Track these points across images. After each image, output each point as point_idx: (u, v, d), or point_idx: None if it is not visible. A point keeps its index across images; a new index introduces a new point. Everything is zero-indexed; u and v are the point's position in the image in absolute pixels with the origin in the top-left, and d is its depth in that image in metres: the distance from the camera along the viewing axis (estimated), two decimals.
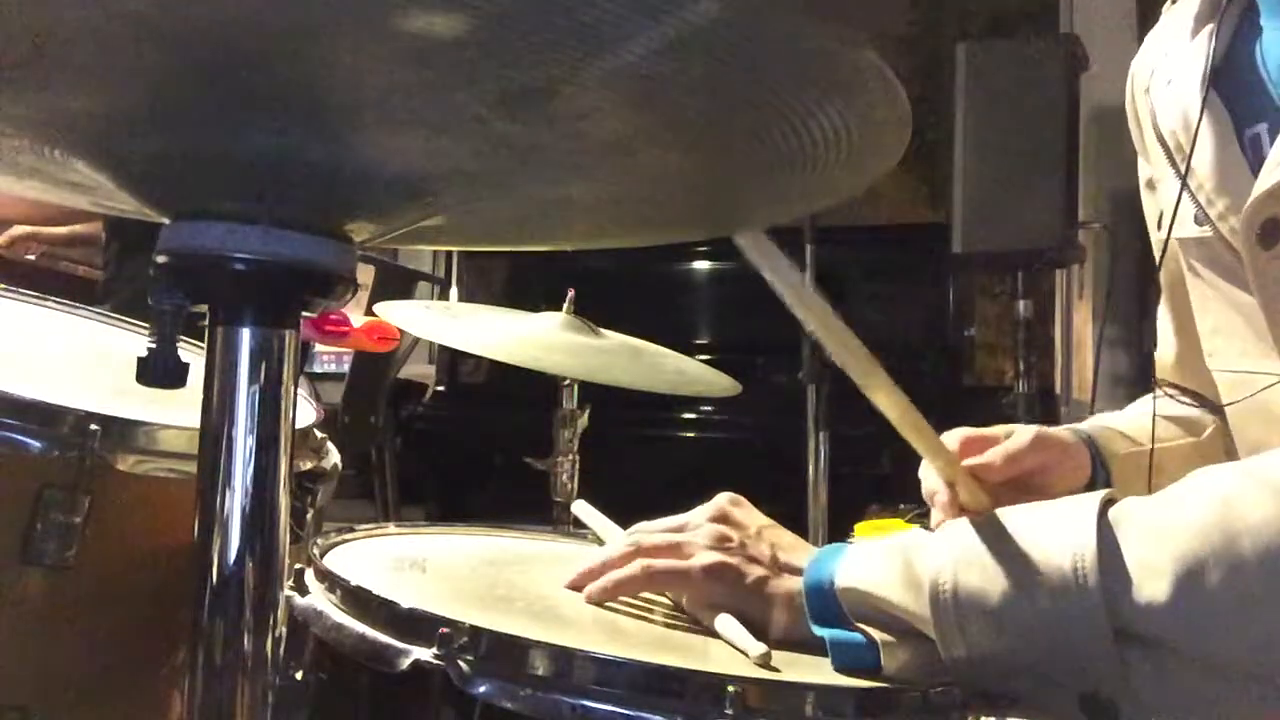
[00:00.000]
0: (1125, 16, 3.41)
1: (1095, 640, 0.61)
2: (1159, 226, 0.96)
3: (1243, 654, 0.60)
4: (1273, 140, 0.82)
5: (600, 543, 0.96)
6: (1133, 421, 1.03)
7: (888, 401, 0.72)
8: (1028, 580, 0.63)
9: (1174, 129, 0.91)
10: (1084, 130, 2.80)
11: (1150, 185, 1.01)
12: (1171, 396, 1.08)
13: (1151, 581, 0.61)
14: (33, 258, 2.65)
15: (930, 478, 0.90)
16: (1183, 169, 0.88)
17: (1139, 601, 0.61)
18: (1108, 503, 0.65)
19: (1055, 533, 0.64)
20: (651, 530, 0.82)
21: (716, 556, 0.76)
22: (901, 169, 0.61)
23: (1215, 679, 0.61)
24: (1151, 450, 0.96)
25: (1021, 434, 0.95)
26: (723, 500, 0.83)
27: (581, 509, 1.06)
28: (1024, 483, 0.91)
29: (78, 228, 2.64)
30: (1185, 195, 0.88)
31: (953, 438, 0.93)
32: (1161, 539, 0.62)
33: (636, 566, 0.77)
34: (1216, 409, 0.98)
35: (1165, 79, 0.93)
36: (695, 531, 0.79)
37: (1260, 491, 0.61)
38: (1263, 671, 0.60)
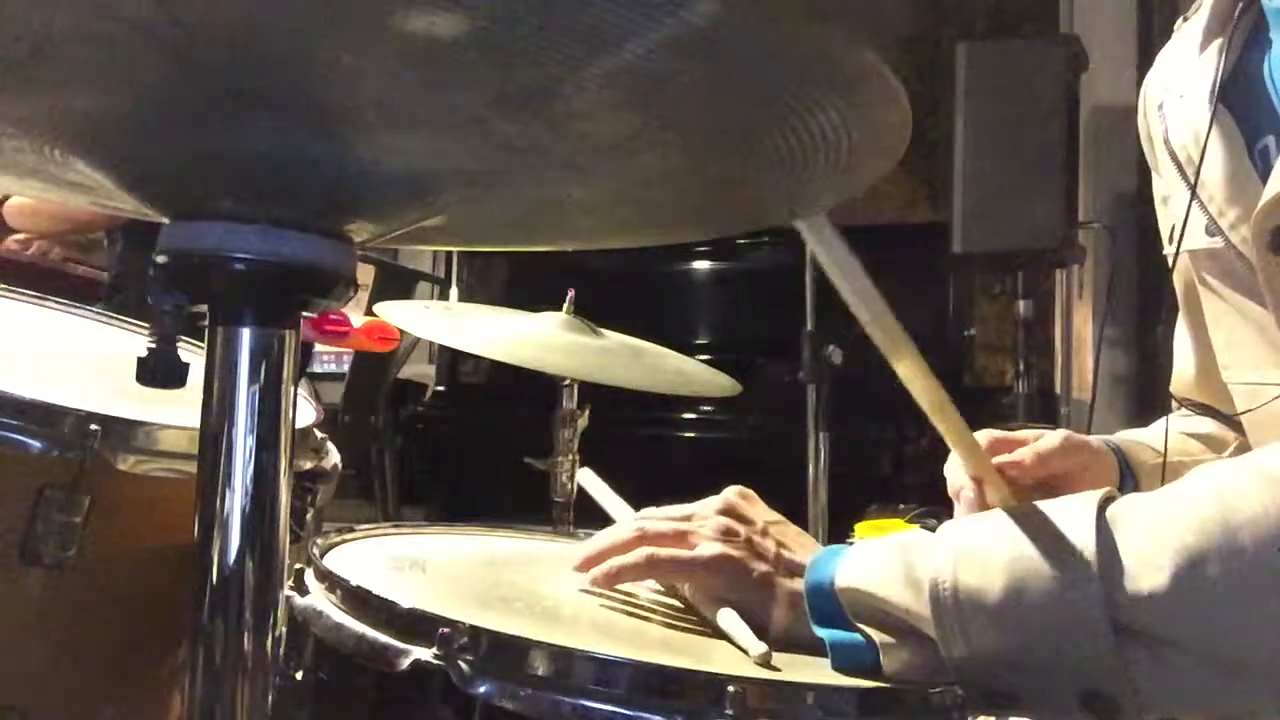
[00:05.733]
0: (1125, 16, 3.42)
1: (1095, 636, 0.61)
2: (1171, 240, 0.96)
3: (1243, 646, 0.61)
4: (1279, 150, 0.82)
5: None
6: (1157, 437, 1.03)
7: (920, 389, 0.72)
8: (1027, 578, 0.63)
9: (1184, 143, 0.91)
10: (1084, 130, 2.80)
11: (1164, 201, 1.01)
12: (1192, 414, 1.08)
13: (1150, 575, 0.61)
14: (47, 263, 2.65)
15: (956, 474, 0.90)
16: (1193, 181, 0.88)
17: (1138, 595, 0.61)
18: (1106, 500, 0.66)
19: (1054, 530, 0.65)
20: (658, 517, 0.81)
21: (721, 549, 0.76)
22: (901, 169, 0.61)
23: (1215, 672, 0.61)
24: (1164, 461, 0.96)
25: (1051, 436, 0.95)
26: (731, 493, 0.83)
27: (586, 478, 1.05)
28: (1052, 486, 0.90)
29: (92, 236, 2.65)
30: (1196, 207, 0.88)
31: (981, 437, 0.93)
32: (1160, 533, 0.62)
33: (640, 554, 0.77)
34: (1237, 425, 0.99)
35: (1177, 94, 0.94)
36: (702, 523, 0.79)
37: (1258, 484, 0.61)
38: (1263, 664, 0.60)
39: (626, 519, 0.84)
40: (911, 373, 0.70)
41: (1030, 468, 0.91)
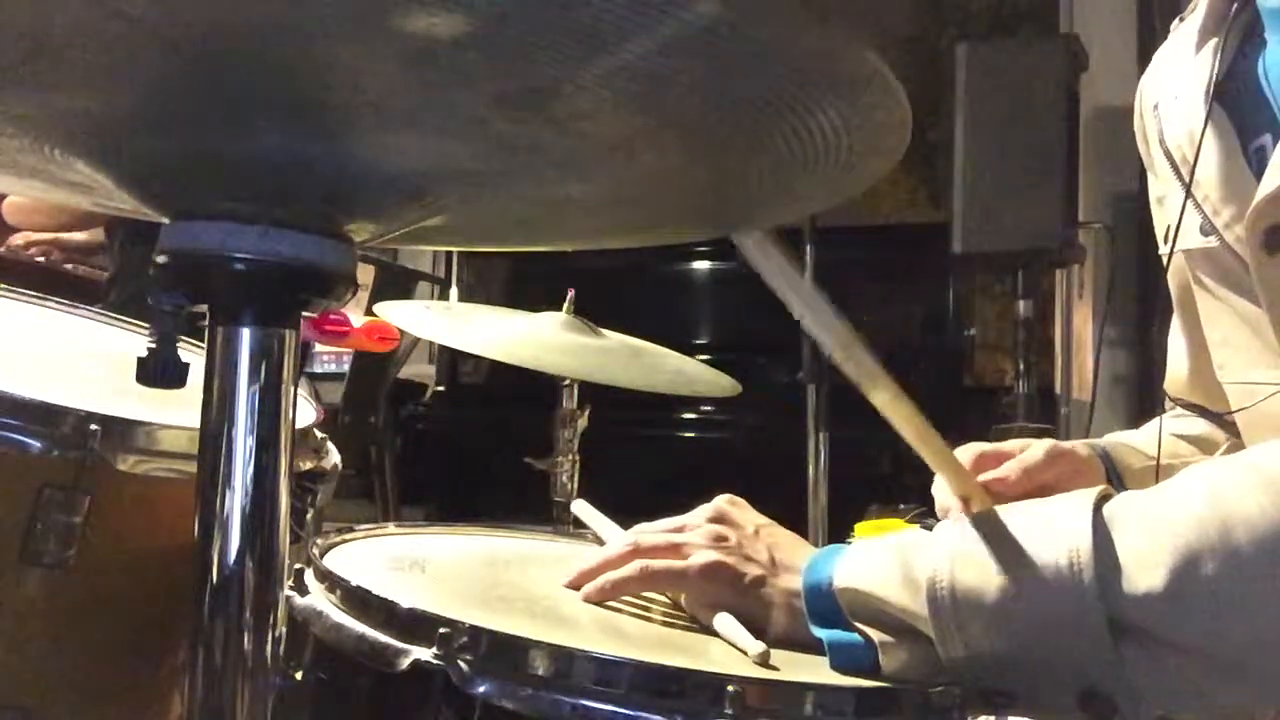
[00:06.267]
0: (1125, 16, 3.41)
1: (1092, 635, 0.61)
2: (1166, 240, 0.96)
3: (1240, 646, 0.61)
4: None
5: (600, 542, 0.96)
6: (1147, 439, 1.03)
7: (897, 413, 0.71)
8: (1024, 577, 0.63)
9: (1179, 143, 0.91)
10: (1084, 130, 2.80)
11: (1159, 201, 1.01)
12: (1185, 415, 1.08)
13: (1147, 574, 0.61)
14: (42, 259, 2.66)
15: (943, 493, 0.90)
16: (1188, 181, 0.88)
17: (1135, 594, 0.61)
18: (1103, 499, 0.66)
19: (1051, 529, 0.65)
20: (650, 531, 0.82)
21: (713, 556, 0.76)
22: (901, 169, 0.61)
23: (1212, 671, 0.61)
24: (1158, 462, 0.96)
25: (1036, 448, 0.95)
26: (721, 501, 0.83)
27: (581, 509, 1.06)
28: (1039, 497, 0.91)
29: (96, 233, 2.65)
30: (1191, 206, 0.88)
31: (965, 453, 0.93)
32: (1156, 532, 0.62)
33: (634, 567, 0.78)
34: (1230, 426, 0.99)
35: (1172, 94, 0.94)
36: (693, 532, 0.79)
37: (1254, 483, 0.61)
38: (1260, 663, 0.60)
39: (619, 539, 0.85)
40: (886, 398, 0.70)
41: (1016, 482, 0.91)
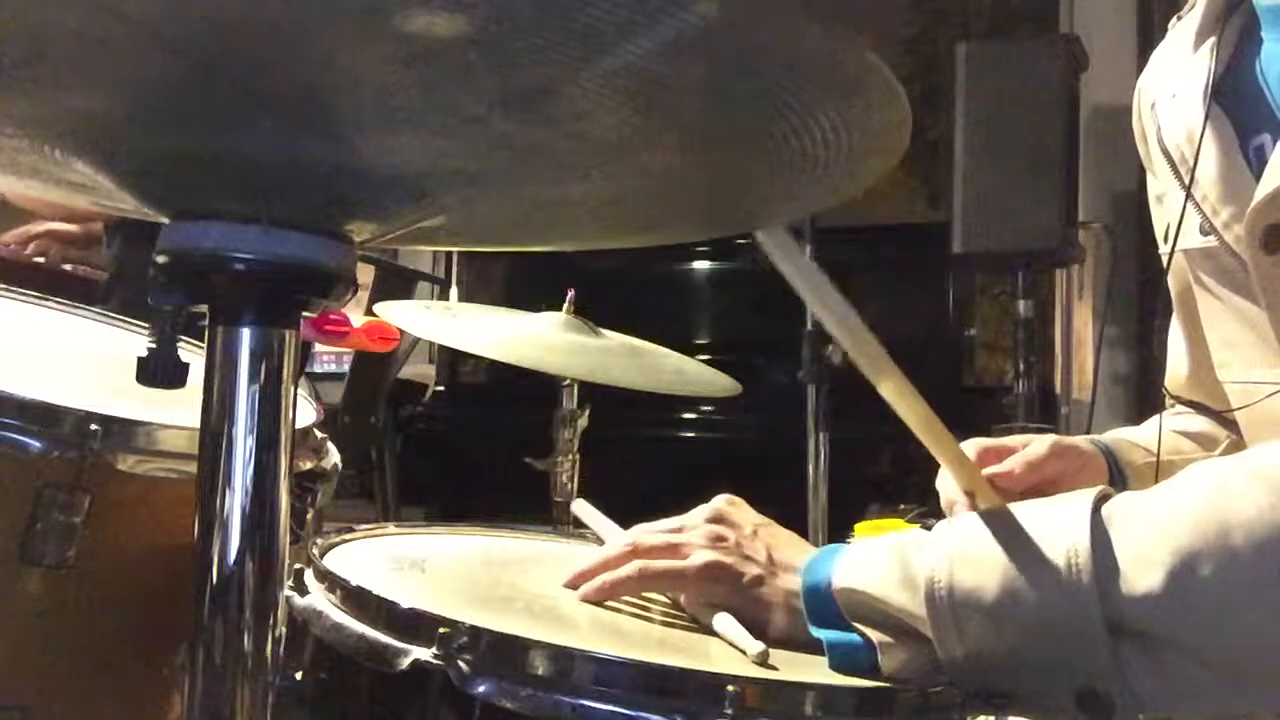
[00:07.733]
0: (1125, 16, 3.41)
1: (1091, 635, 0.61)
2: (1165, 240, 0.96)
3: (1237, 646, 0.61)
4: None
5: (600, 542, 0.96)
6: (1149, 435, 1.03)
7: (905, 407, 0.71)
8: (1023, 577, 0.63)
9: (1178, 142, 0.91)
10: (1084, 130, 2.80)
11: (1158, 200, 1.01)
12: (1185, 412, 1.08)
13: (1145, 575, 0.61)
14: (41, 259, 2.65)
15: (948, 487, 0.90)
16: (1187, 180, 0.88)
17: (1133, 595, 0.61)
18: (1101, 499, 0.66)
19: (1050, 529, 0.65)
20: (649, 531, 0.82)
21: (712, 556, 0.76)
22: (901, 169, 0.61)
23: (1210, 672, 0.62)
24: (1158, 460, 0.96)
25: (1039, 443, 0.95)
26: (719, 501, 0.83)
27: (581, 508, 1.06)
28: (1043, 492, 0.91)
29: (93, 226, 2.65)
30: (1190, 206, 0.88)
31: (969, 448, 0.93)
32: (1155, 533, 0.62)
33: (633, 567, 0.78)
34: (1230, 423, 0.99)
35: (1170, 93, 0.94)
36: (692, 532, 0.79)
37: (1253, 485, 0.61)
38: (1257, 664, 0.60)
39: (618, 539, 0.85)
40: (895, 390, 0.70)
41: (1021, 476, 0.91)
